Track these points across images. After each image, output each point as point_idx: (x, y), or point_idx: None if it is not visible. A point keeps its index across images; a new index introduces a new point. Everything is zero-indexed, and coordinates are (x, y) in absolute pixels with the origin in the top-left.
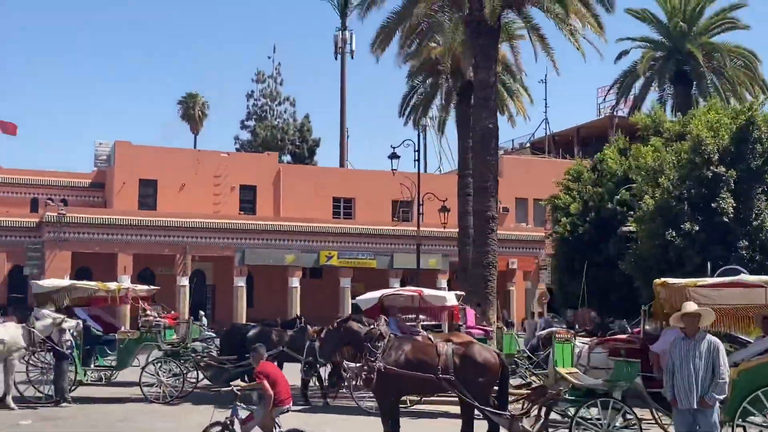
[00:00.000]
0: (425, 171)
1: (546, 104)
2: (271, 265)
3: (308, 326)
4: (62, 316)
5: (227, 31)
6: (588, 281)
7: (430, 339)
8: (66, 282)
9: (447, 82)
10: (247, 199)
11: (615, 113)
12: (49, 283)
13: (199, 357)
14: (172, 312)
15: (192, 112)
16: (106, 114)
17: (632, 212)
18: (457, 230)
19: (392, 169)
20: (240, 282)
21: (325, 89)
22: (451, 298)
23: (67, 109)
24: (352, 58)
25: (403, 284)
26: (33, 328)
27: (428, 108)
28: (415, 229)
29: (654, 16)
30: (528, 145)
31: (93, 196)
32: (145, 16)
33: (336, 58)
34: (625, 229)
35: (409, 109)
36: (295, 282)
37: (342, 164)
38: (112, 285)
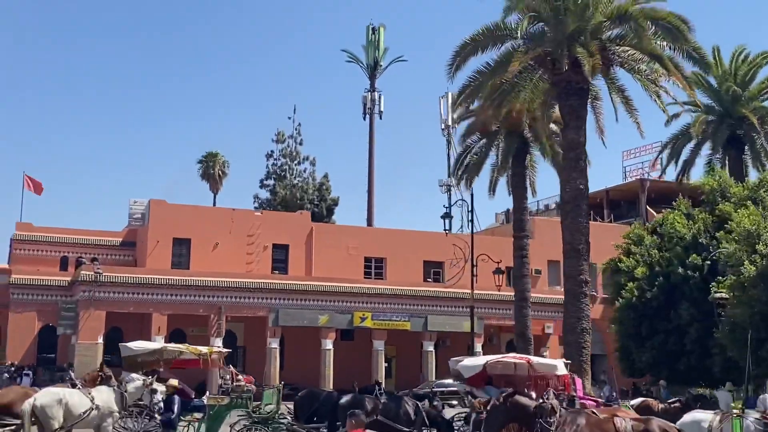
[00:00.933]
0: (449, 231)
1: None
2: (304, 326)
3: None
4: (151, 378)
5: (247, 92)
6: (656, 348)
7: (594, 413)
8: (157, 345)
9: (501, 143)
10: (280, 258)
11: (647, 175)
12: (138, 345)
13: (290, 424)
14: (247, 375)
15: (212, 171)
16: (124, 173)
17: (706, 277)
18: (513, 293)
19: (445, 230)
20: (273, 343)
21: (343, 148)
22: (561, 367)
23: (89, 168)
24: (381, 118)
25: (436, 348)
26: (125, 391)
27: (481, 168)
28: (448, 290)
29: (704, 79)
30: (553, 206)
31: (124, 254)
32: (161, 65)
33: (364, 119)
34: (717, 295)
35: (462, 169)
36: (328, 344)
37: (369, 223)
38: (203, 348)
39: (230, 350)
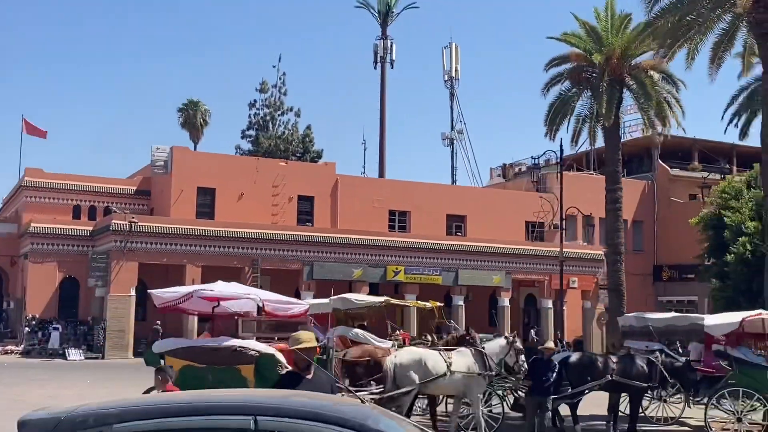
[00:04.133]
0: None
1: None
2: (338, 280)
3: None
4: (513, 334)
5: (230, 40)
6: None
7: None
8: (376, 298)
9: (604, 89)
10: (305, 210)
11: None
12: (359, 297)
13: None
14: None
15: (194, 120)
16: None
17: None
18: (604, 250)
19: (533, 180)
20: (308, 297)
21: (330, 100)
22: None
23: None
24: (392, 67)
25: (466, 301)
26: (484, 350)
27: (568, 117)
28: (475, 244)
29: None
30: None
31: (139, 203)
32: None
33: (375, 68)
34: None
35: (558, 118)
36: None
37: (381, 176)
38: (427, 303)
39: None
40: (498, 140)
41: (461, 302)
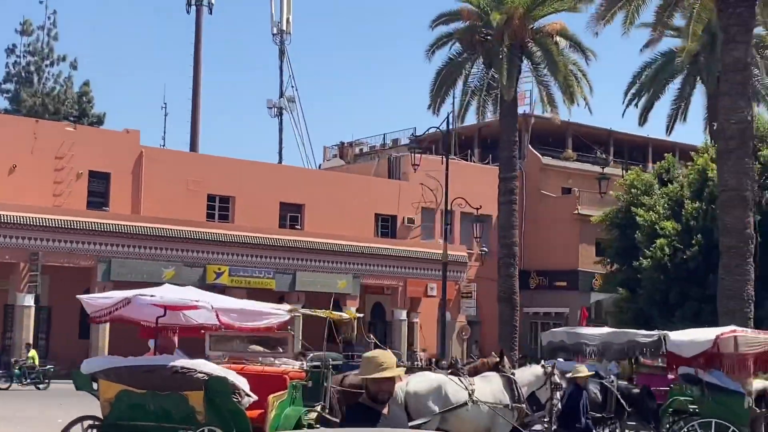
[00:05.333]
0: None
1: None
2: (143, 282)
3: None
4: (551, 366)
5: None
6: (688, 318)
7: None
8: (285, 306)
9: (504, 56)
10: (98, 191)
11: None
12: None
13: None
14: None
15: None
16: None
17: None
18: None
19: (413, 164)
20: None
21: (120, 49)
22: None
23: None
24: (210, 13)
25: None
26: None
27: (454, 86)
28: (310, 239)
29: None
30: (405, 141)
31: None
32: None
33: (188, 12)
34: None
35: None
36: None
37: (193, 149)
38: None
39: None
40: (338, 113)
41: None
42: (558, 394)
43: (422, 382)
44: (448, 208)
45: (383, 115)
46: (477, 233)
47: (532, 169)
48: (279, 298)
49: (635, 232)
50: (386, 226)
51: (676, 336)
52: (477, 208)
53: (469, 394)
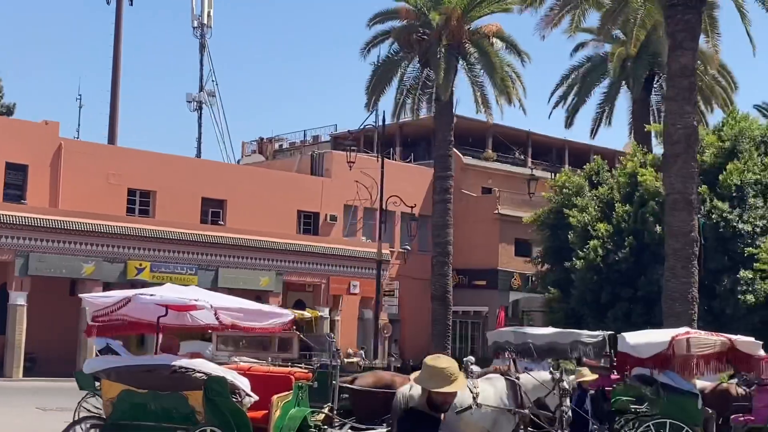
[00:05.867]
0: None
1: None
2: (61, 277)
3: None
4: (558, 370)
5: None
6: (619, 318)
7: None
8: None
9: (442, 56)
10: (15, 183)
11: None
12: None
13: None
14: None
15: None
16: None
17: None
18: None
19: (349, 161)
20: (20, 299)
21: (33, 37)
22: (759, 347)
23: None
24: (131, 4)
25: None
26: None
27: (390, 84)
28: (233, 236)
29: None
30: (327, 138)
31: None
32: None
33: (108, 3)
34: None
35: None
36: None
37: (111, 142)
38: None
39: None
40: (257, 108)
41: None
42: (566, 402)
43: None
44: (375, 206)
45: (302, 111)
46: (412, 232)
47: (454, 168)
48: None
49: (567, 232)
50: (308, 223)
51: (632, 337)
52: (412, 207)
53: (474, 398)
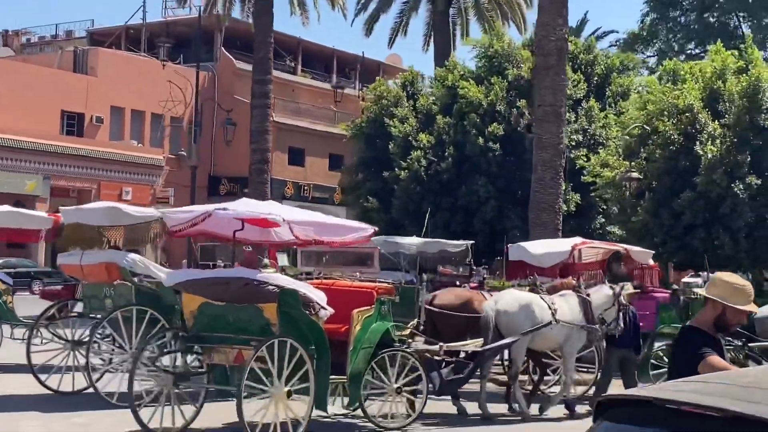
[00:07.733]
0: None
1: None
2: None
3: None
4: (621, 285)
5: None
6: (440, 227)
7: None
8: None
9: None
10: None
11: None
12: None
13: None
14: None
15: None
16: None
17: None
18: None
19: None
20: None
21: None
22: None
23: None
24: None
25: None
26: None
27: None
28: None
29: None
30: (83, 34)
31: None
32: None
33: None
34: (634, 176)
35: None
36: None
37: None
38: None
39: None
40: None
41: None
42: (621, 315)
43: (510, 300)
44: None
45: (53, 4)
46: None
47: (226, 72)
48: None
49: (387, 142)
50: (72, 124)
51: (533, 247)
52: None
53: (552, 314)
